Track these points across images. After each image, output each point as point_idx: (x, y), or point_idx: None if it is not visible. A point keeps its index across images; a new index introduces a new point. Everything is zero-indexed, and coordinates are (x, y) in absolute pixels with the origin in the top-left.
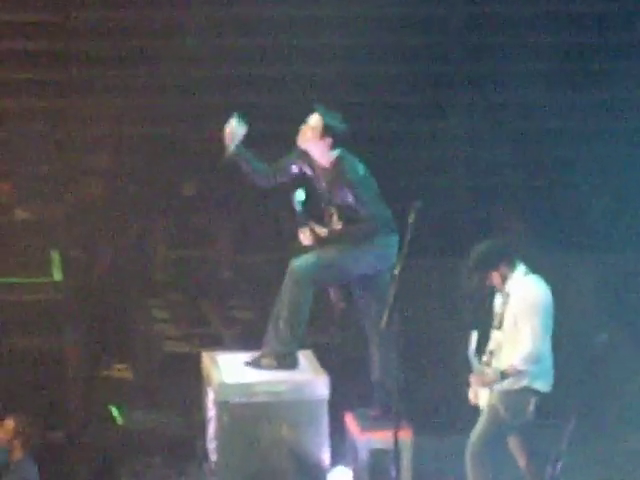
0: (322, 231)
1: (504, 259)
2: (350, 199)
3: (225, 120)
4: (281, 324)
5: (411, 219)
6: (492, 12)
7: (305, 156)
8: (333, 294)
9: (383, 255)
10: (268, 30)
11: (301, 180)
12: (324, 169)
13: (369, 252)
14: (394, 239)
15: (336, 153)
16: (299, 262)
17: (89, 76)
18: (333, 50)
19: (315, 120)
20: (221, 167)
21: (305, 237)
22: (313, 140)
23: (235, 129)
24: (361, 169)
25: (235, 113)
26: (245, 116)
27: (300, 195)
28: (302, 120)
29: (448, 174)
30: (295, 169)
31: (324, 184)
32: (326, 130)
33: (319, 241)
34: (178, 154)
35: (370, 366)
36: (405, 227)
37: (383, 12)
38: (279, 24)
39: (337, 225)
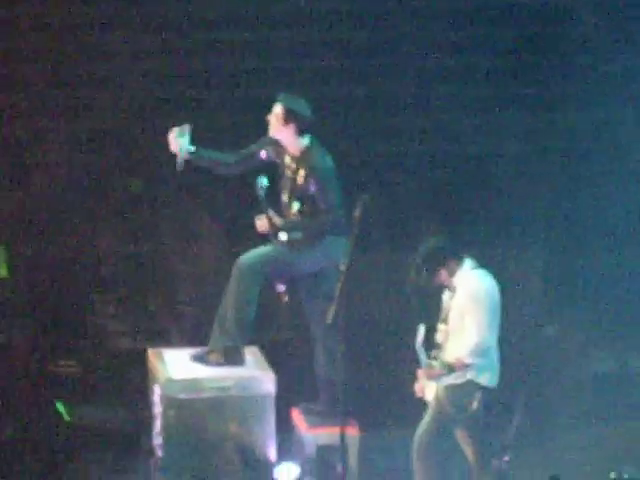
0: (279, 220)
1: (451, 256)
2: (313, 189)
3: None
4: (228, 319)
5: (358, 213)
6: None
7: (275, 144)
8: (277, 287)
9: (330, 254)
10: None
11: (266, 167)
12: (292, 157)
13: (316, 250)
14: (342, 240)
15: (306, 142)
16: (245, 257)
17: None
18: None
19: (278, 107)
20: (178, 171)
21: (261, 224)
22: (277, 126)
23: (177, 136)
24: (329, 161)
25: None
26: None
27: (262, 181)
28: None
29: (397, 168)
30: (263, 155)
31: (290, 172)
32: (288, 115)
33: (274, 230)
34: (125, 149)
35: (315, 362)
36: (352, 221)
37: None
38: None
39: (294, 216)
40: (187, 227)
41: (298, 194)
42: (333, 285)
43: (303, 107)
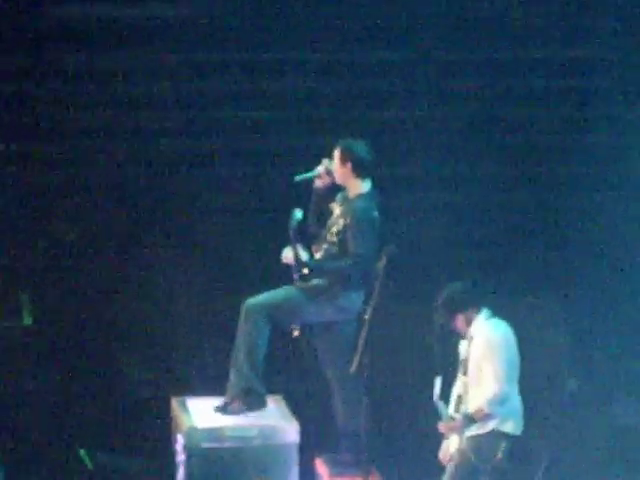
0: (304, 255)
1: (471, 302)
2: (348, 233)
3: None
4: (240, 362)
5: (383, 263)
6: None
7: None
8: (291, 325)
9: (343, 309)
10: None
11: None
12: (347, 199)
13: (329, 302)
14: (357, 296)
15: (365, 188)
16: (252, 300)
17: None
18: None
19: (337, 149)
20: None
21: (287, 256)
22: (337, 167)
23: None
24: (373, 213)
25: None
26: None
27: (298, 214)
28: None
29: (422, 220)
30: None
31: (337, 212)
32: (344, 154)
33: (298, 264)
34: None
35: (334, 412)
36: (377, 272)
37: None
38: None
39: (323, 254)
40: (209, 274)
41: (335, 235)
42: (348, 337)
43: (360, 147)
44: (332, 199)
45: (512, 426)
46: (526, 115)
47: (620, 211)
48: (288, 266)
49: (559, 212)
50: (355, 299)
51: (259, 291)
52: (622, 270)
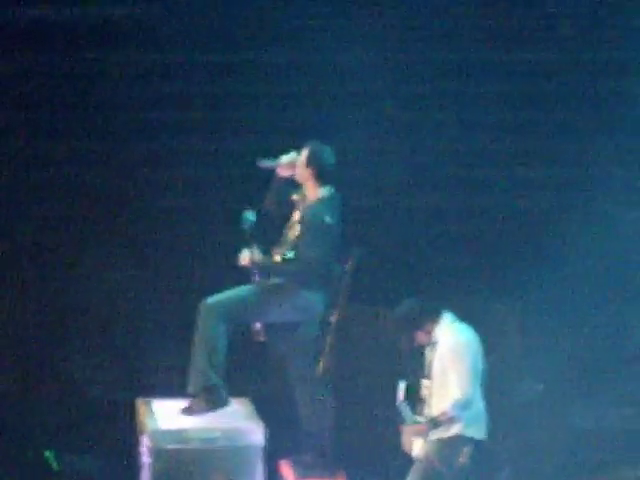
0: (259, 258)
1: (426, 318)
2: (302, 237)
3: None
4: (200, 361)
5: (350, 266)
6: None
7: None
8: (256, 328)
9: (302, 308)
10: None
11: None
12: (307, 203)
13: (288, 301)
14: (316, 298)
15: (324, 192)
16: (210, 298)
17: None
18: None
19: (304, 151)
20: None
21: (243, 258)
22: (300, 169)
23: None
24: (328, 217)
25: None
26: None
27: (250, 216)
28: None
29: (385, 222)
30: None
31: (297, 217)
32: (310, 158)
33: (254, 266)
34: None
35: (298, 413)
36: (343, 274)
37: None
38: None
39: (279, 257)
40: (174, 274)
41: (293, 239)
42: (310, 338)
43: (326, 155)
44: (291, 191)
45: (476, 430)
46: (491, 118)
47: (578, 215)
48: (245, 268)
49: (515, 216)
50: (314, 300)
51: (222, 289)
52: (580, 273)
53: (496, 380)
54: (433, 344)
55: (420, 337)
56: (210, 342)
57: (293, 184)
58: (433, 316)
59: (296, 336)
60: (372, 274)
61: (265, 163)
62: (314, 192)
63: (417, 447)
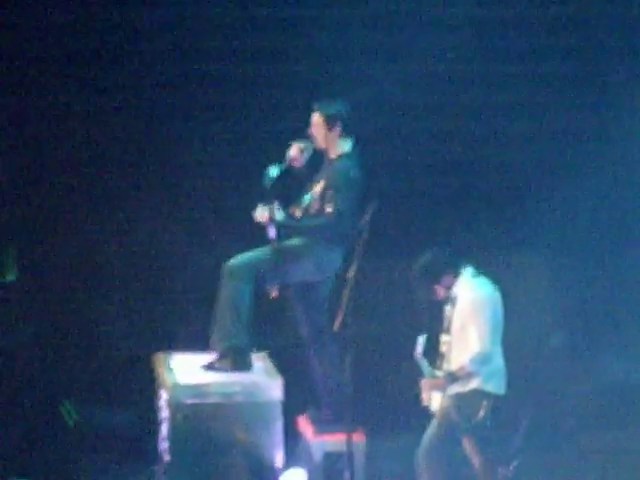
0: (279, 214)
1: (445, 271)
2: (328, 191)
3: None
4: (225, 321)
5: (366, 219)
6: None
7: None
8: (267, 286)
9: (324, 267)
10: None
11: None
12: (329, 160)
13: (309, 259)
14: (338, 255)
15: (347, 147)
16: (234, 260)
17: None
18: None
19: (316, 116)
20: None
21: (262, 214)
22: (322, 135)
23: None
24: (355, 172)
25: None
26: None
27: (273, 172)
28: None
29: (404, 175)
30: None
31: (320, 173)
32: (330, 120)
33: (273, 223)
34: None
35: (314, 370)
36: (359, 228)
37: None
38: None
39: (301, 213)
40: (195, 230)
41: (315, 194)
42: (326, 294)
43: (340, 105)
44: (310, 174)
45: (494, 385)
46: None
47: (606, 167)
48: (262, 225)
49: (545, 168)
50: (336, 257)
51: (242, 246)
52: (608, 226)
53: (521, 334)
54: (453, 299)
55: (439, 291)
56: (236, 303)
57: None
58: (453, 270)
59: (312, 293)
60: (390, 228)
61: (278, 168)
62: (338, 149)
63: (436, 401)
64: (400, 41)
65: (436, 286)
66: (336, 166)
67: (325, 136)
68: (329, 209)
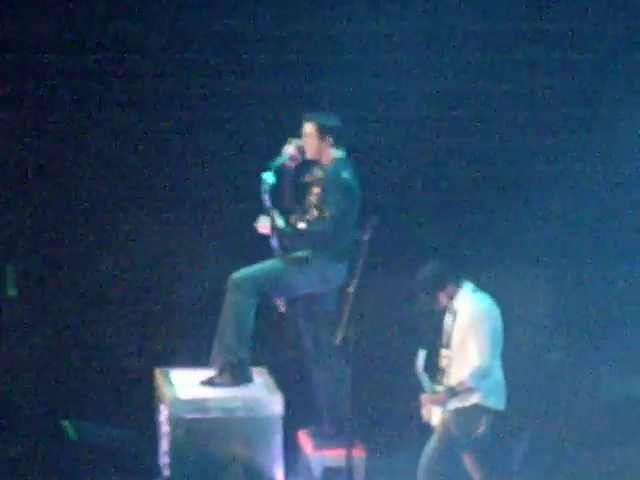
0: (281, 223)
1: (450, 279)
2: (323, 196)
3: None
4: (226, 335)
5: (367, 235)
6: None
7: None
8: (277, 301)
9: (330, 279)
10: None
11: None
12: (321, 166)
13: (314, 271)
14: (342, 267)
15: (339, 154)
16: (238, 273)
17: None
18: None
19: (309, 126)
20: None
21: (263, 225)
22: (314, 145)
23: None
24: (349, 175)
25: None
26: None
27: (269, 178)
28: None
29: (402, 190)
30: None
31: (312, 179)
32: (322, 130)
33: (275, 232)
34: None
35: (316, 384)
36: (360, 243)
37: None
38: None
39: (299, 223)
40: (195, 245)
41: (312, 201)
42: (330, 308)
43: (334, 118)
44: (303, 175)
45: (494, 400)
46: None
47: (606, 181)
48: (265, 236)
49: (543, 181)
50: (341, 269)
51: (245, 260)
52: (608, 238)
53: (519, 349)
54: (453, 313)
55: (442, 299)
56: (239, 318)
57: (303, 168)
58: (456, 279)
59: (316, 306)
60: (389, 242)
61: (276, 164)
62: (330, 156)
63: (436, 417)
64: (398, 56)
65: (440, 293)
66: (328, 170)
67: (318, 146)
68: (327, 213)
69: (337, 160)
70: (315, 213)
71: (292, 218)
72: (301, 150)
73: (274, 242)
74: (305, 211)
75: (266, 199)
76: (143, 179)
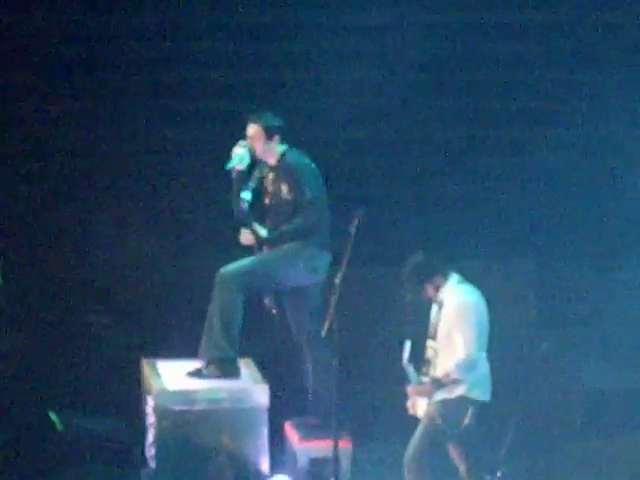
0: (263, 232)
1: (437, 271)
2: (291, 188)
3: None
4: (214, 331)
5: (353, 226)
6: None
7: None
8: (267, 301)
9: (317, 270)
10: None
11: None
12: (271, 167)
13: (299, 262)
14: (327, 255)
15: (281, 149)
16: (227, 268)
17: None
18: None
19: (254, 128)
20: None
21: (246, 238)
22: (261, 145)
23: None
24: (305, 159)
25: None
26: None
27: (247, 195)
28: None
29: (389, 182)
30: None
31: (270, 181)
32: (269, 130)
33: (259, 242)
34: (119, 155)
35: (304, 375)
36: (347, 235)
37: None
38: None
39: (277, 223)
40: (183, 236)
41: (279, 200)
42: (317, 300)
43: (276, 117)
44: (250, 175)
45: (480, 392)
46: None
47: (594, 172)
48: (249, 247)
49: (532, 173)
50: (327, 259)
51: (234, 253)
52: (597, 230)
53: (511, 342)
54: (439, 304)
55: (428, 290)
56: (226, 314)
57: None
58: (441, 269)
59: (302, 297)
60: (376, 234)
61: (233, 164)
62: (276, 156)
63: (422, 408)
64: (387, 46)
65: (427, 284)
66: (285, 165)
67: (263, 147)
68: (304, 201)
69: (288, 152)
70: (290, 208)
71: (268, 221)
72: (250, 151)
73: (258, 252)
74: (277, 213)
75: (245, 215)
76: (134, 173)
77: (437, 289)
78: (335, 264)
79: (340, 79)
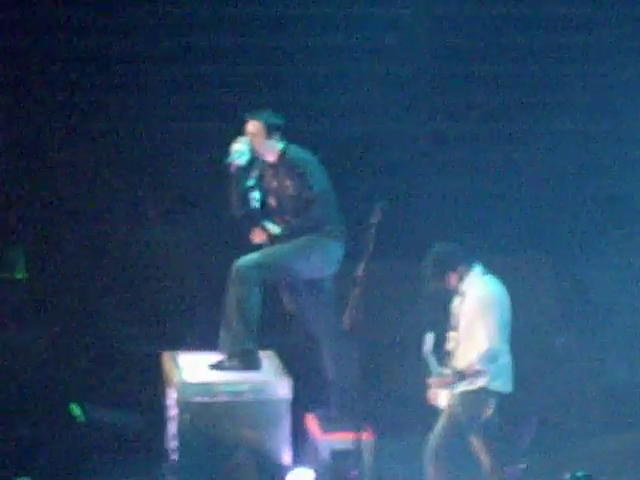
0: (275, 229)
1: (461, 261)
2: (296, 183)
3: None
4: (233, 324)
5: (375, 219)
6: None
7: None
8: (285, 298)
9: (329, 259)
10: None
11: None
12: (272, 165)
13: (312, 253)
14: (341, 245)
15: (281, 146)
16: (242, 261)
17: None
18: None
19: (255, 125)
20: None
21: (257, 235)
22: (261, 142)
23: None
24: (307, 154)
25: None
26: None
27: (255, 195)
28: None
29: (410, 176)
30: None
31: (273, 179)
32: (270, 128)
33: (271, 238)
34: (135, 151)
35: (324, 368)
36: (368, 228)
37: None
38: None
39: (287, 219)
40: (201, 231)
41: (284, 196)
42: (332, 292)
43: (276, 115)
44: (249, 173)
45: (502, 384)
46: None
47: (613, 166)
48: (261, 244)
49: (549, 168)
50: (340, 249)
51: (251, 245)
52: (614, 225)
53: (526, 333)
54: (462, 295)
55: (452, 279)
56: (244, 307)
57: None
58: (467, 261)
59: (316, 290)
60: (397, 227)
61: (233, 158)
62: (275, 153)
63: (443, 400)
64: (403, 41)
65: (450, 273)
66: (288, 160)
67: (263, 144)
68: (310, 197)
69: (288, 148)
70: (297, 203)
71: (276, 219)
72: (250, 148)
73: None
74: (283, 209)
75: (255, 214)
76: (151, 167)
77: (460, 279)
78: (357, 257)
79: (368, 73)
